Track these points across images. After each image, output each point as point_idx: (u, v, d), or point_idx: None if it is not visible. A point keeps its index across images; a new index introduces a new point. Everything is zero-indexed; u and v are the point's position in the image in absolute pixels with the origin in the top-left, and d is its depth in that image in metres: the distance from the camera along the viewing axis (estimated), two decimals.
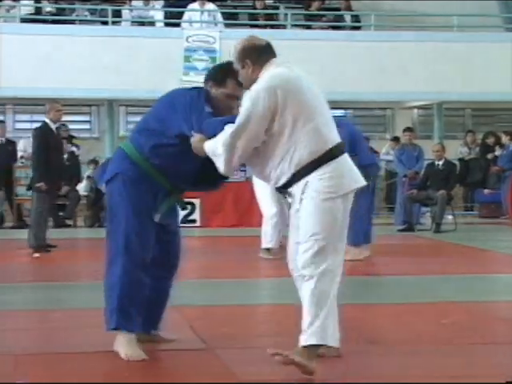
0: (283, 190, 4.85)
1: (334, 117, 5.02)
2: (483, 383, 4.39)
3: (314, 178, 4.72)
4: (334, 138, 4.83)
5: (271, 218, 10.53)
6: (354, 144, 10.02)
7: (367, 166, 10.19)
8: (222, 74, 5.24)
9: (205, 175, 5.22)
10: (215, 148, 4.82)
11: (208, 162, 4.93)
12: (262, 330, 6.28)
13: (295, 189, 4.76)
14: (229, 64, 5.19)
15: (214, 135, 4.84)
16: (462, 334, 5.94)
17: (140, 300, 5.19)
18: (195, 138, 4.97)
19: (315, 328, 4.64)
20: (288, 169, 4.75)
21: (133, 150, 5.20)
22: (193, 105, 5.09)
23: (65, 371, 4.85)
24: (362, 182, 4.89)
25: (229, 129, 4.76)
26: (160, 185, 5.19)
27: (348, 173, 4.83)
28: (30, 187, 11.72)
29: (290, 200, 4.87)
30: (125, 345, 5.12)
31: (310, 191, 4.72)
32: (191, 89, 5.38)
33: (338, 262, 4.77)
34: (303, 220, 4.74)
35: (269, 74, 4.85)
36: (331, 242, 4.73)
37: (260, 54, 4.96)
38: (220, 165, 4.83)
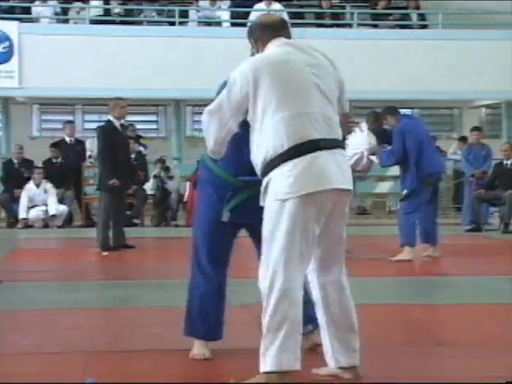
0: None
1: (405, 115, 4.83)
2: (483, 383, 4.31)
3: (275, 176, 4.32)
4: (310, 132, 4.33)
5: None
6: (420, 151, 9.98)
7: (431, 175, 10.14)
8: None
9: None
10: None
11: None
12: None
13: (262, 185, 4.45)
14: None
15: None
16: None
17: (208, 308, 5.11)
18: None
19: (271, 353, 4.25)
20: (258, 164, 4.45)
21: (205, 155, 5.09)
22: None
23: (133, 369, 4.89)
24: (342, 184, 4.38)
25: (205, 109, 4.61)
26: (228, 183, 5.01)
27: (317, 171, 4.29)
28: (98, 187, 11.76)
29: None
30: (195, 346, 5.13)
31: (270, 191, 4.35)
32: None
33: (298, 274, 4.31)
34: (263, 224, 4.40)
35: (253, 58, 4.59)
36: (291, 249, 4.27)
37: (263, 32, 4.67)
38: (206, 144, 4.71)
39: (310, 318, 4.85)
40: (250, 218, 4.96)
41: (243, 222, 5.13)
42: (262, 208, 4.51)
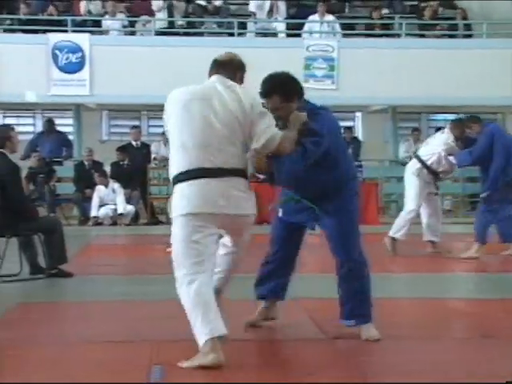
0: None
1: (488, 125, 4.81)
2: (483, 383, 4.22)
3: (174, 192, 4.84)
4: (197, 161, 4.73)
5: (408, 213, 10.45)
6: (508, 156, 9.89)
7: None
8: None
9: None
10: None
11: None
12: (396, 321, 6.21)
13: None
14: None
15: None
16: None
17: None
18: None
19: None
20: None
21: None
22: None
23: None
24: (220, 209, 4.75)
25: None
26: None
27: (195, 195, 4.73)
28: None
29: None
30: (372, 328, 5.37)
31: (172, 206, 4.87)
32: None
33: (186, 271, 4.81)
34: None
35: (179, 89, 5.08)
36: (176, 256, 4.89)
37: (210, 68, 5.17)
38: None
39: None
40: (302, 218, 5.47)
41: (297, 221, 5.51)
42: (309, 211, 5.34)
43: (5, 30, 17.34)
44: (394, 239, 10.40)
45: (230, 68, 5.10)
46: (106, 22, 17.83)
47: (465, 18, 18.99)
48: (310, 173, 5.09)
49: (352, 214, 5.41)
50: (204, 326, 4.63)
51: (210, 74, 5.07)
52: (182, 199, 4.76)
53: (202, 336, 4.63)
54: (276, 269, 5.66)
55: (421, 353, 5.00)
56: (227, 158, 4.76)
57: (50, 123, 18.00)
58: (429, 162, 10.41)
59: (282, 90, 5.25)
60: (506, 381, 4.12)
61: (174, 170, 4.82)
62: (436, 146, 10.37)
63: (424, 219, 10.61)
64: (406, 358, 4.86)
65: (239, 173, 4.84)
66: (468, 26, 18.94)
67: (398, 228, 10.41)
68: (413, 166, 10.54)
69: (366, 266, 5.43)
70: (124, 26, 18.10)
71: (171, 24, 17.99)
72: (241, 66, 5.23)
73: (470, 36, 18.69)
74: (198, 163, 4.72)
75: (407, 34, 18.05)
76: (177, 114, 4.85)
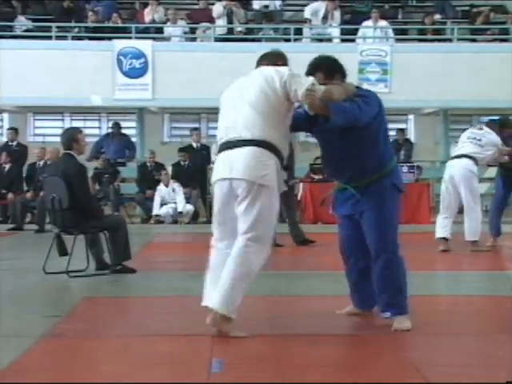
0: None
1: None
2: (483, 383, 4.14)
3: None
4: (222, 137, 5.24)
5: (478, 213, 10.40)
6: None
7: None
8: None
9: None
10: None
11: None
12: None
13: None
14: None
15: None
16: None
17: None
18: None
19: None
20: None
21: None
22: None
23: (256, 351, 4.91)
24: (235, 174, 5.14)
25: None
26: None
27: (222, 164, 5.22)
28: None
29: None
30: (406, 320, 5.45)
31: None
32: None
33: (216, 233, 5.49)
34: None
35: None
36: (215, 218, 5.46)
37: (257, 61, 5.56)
38: None
39: None
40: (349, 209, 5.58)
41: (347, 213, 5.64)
42: (354, 201, 5.46)
43: (73, 38, 17.57)
44: (475, 242, 10.30)
45: (267, 58, 5.48)
46: (168, 29, 17.97)
47: None
48: (348, 148, 5.31)
49: (390, 207, 5.41)
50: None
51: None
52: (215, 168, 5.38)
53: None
54: (357, 281, 5.74)
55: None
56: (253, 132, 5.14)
57: (117, 126, 18.24)
58: (483, 162, 10.33)
59: (324, 67, 5.48)
60: (506, 381, 4.04)
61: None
62: (489, 146, 10.24)
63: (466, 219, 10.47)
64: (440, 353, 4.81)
65: (260, 143, 5.13)
66: None
67: (475, 231, 10.28)
68: (470, 165, 10.31)
69: (402, 260, 5.44)
70: (185, 33, 18.23)
71: (230, 30, 18.06)
72: (278, 55, 5.58)
73: None
74: (226, 137, 5.27)
75: (459, 39, 17.88)
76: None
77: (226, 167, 5.17)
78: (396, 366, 4.57)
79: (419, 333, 5.38)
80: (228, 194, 5.23)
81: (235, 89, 5.33)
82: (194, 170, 16.66)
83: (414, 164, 16.72)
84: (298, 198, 16.07)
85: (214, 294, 5.21)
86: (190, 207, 16.12)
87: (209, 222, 15.91)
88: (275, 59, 5.45)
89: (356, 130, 5.21)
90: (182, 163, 16.82)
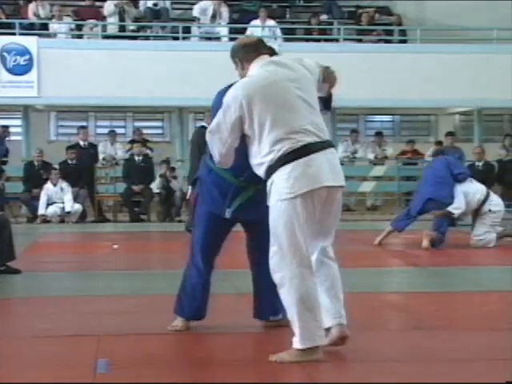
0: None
1: None
2: (483, 383, 4.18)
3: (276, 178, 4.52)
4: (300, 140, 4.51)
5: None
6: None
7: None
8: None
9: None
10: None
11: None
12: None
13: (267, 186, 4.61)
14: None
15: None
16: (499, 320, 5.84)
17: (196, 293, 5.33)
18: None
19: (296, 333, 4.47)
20: (261, 168, 4.61)
21: (208, 157, 5.16)
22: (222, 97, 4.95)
23: (143, 351, 4.87)
24: (335, 181, 4.56)
25: (208, 128, 4.76)
26: (230, 184, 5.09)
27: (311, 172, 4.47)
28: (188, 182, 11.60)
29: None
30: (177, 320, 5.38)
31: (273, 191, 4.54)
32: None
33: (305, 262, 4.49)
34: (270, 221, 4.57)
35: (244, 79, 4.73)
36: (294, 245, 4.46)
37: (245, 52, 4.82)
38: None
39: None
40: (250, 215, 5.14)
41: (243, 219, 5.22)
42: (260, 205, 4.81)
43: None
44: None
45: (265, 47, 4.92)
46: (53, 26, 17.66)
47: (400, 24, 19.20)
48: None
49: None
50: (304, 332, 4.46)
51: (253, 55, 4.79)
52: (295, 179, 4.54)
53: (299, 340, 4.48)
54: None
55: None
56: (323, 130, 4.71)
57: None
58: None
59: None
60: (506, 381, 4.05)
61: (271, 156, 4.59)
62: None
63: None
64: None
65: (332, 143, 4.77)
66: (403, 32, 19.15)
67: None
68: None
69: (189, 267, 5.42)
70: (71, 30, 17.94)
71: (122, 28, 17.89)
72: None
73: (405, 41, 18.91)
74: (297, 142, 4.60)
75: (345, 39, 18.17)
76: (264, 109, 4.60)
77: (327, 173, 4.53)
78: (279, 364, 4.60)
79: None
80: (322, 202, 4.57)
81: (288, 81, 4.62)
82: (81, 169, 16.43)
83: None
84: (187, 196, 16.06)
85: (339, 310, 4.70)
86: (77, 207, 15.88)
87: (97, 221, 15.80)
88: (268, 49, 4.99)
89: None
90: (69, 162, 16.55)
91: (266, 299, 5.38)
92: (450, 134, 16.65)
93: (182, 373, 4.44)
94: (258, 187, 5.01)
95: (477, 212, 10.73)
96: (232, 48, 4.93)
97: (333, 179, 4.55)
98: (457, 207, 10.44)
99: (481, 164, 15.18)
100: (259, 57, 4.79)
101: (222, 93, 4.93)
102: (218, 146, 4.71)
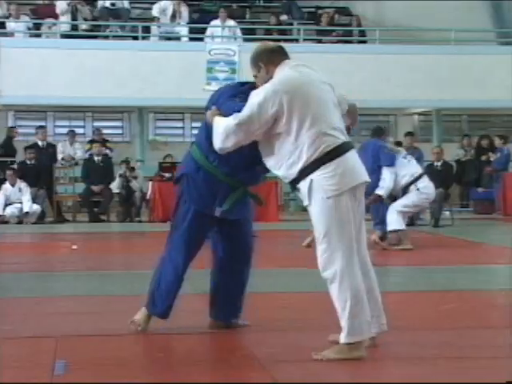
0: (292, 184, 4.74)
1: None
2: (483, 383, 4.20)
3: (317, 177, 4.58)
4: (338, 138, 4.64)
5: None
6: None
7: None
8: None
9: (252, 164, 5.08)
10: (218, 125, 4.78)
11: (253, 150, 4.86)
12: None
13: (302, 185, 4.64)
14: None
15: (228, 115, 4.78)
16: (459, 319, 5.92)
17: (170, 292, 5.25)
18: (210, 111, 4.93)
19: (345, 327, 4.55)
20: (295, 167, 4.63)
21: (197, 153, 5.16)
22: (223, 91, 5.16)
23: (101, 352, 4.86)
24: (365, 177, 4.75)
25: (234, 117, 4.69)
26: (221, 182, 5.10)
27: (350, 169, 4.63)
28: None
29: (299, 195, 4.77)
30: (141, 313, 5.31)
31: (316, 190, 4.59)
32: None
33: (355, 257, 4.60)
34: (315, 220, 4.64)
35: (280, 76, 4.74)
36: (343, 240, 4.56)
37: (271, 55, 4.86)
38: (216, 141, 4.78)
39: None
40: (237, 215, 5.18)
41: (230, 219, 5.19)
42: (245, 207, 5.17)
43: None
44: None
45: (286, 54, 4.95)
46: (11, 25, 17.50)
47: (359, 25, 19.30)
48: None
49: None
50: (353, 327, 4.55)
51: (278, 60, 4.84)
52: (339, 176, 4.66)
53: (347, 335, 4.56)
54: None
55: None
56: (345, 132, 4.86)
57: None
58: None
59: None
60: (506, 381, 4.06)
61: (309, 155, 4.66)
62: None
63: None
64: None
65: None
66: (363, 32, 19.26)
67: None
68: None
69: (162, 261, 5.38)
70: (29, 29, 17.79)
71: (75, 27, 17.77)
72: None
73: (364, 42, 19.03)
74: (334, 142, 4.73)
75: (305, 39, 18.24)
76: (305, 106, 4.68)
77: (361, 170, 4.74)
78: (243, 363, 4.60)
79: (263, 329, 5.45)
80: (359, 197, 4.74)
81: (321, 83, 4.79)
82: (40, 169, 16.29)
83: None
84: (147, 196, 16.02)
85: (381, 318, 4.80)
86: (36, 207, 15.75)
87: (56, 222, 15.68)
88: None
89: None
90: (28, 162, 16.40)
91: (231, 301, 5.39)
92: (409, 134, 16.73)
93: (140, 373, 4.44)
94: (246, 188, 5.17)
95: (405, 192, 10.68)
96: (255, 53, 4.93)
97: (364, 175, 4.76)
98: (381, 187, 10.45)
99: (439, 164, 15.29)
100: (284, 61, 4.85)
101: (226, 91, 5.11)
102: (241, 137, 4.69)
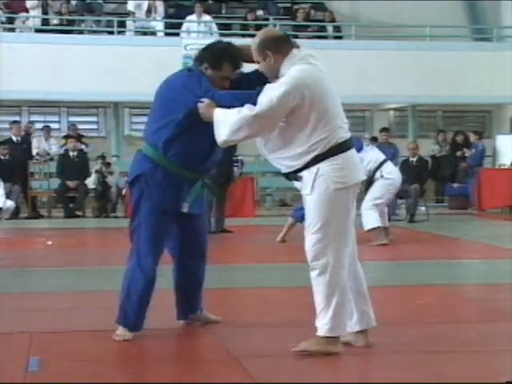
0: (293, 174, 4.70)
1: None
2: (483, 383, 4.20)
3: (326, 167, 4.57)
4: (346, 132, 4.73)
5: None
6: None
7: None
8: (218, 58, 5.05)
9: (208, 155, 5.04)
10: (226, 118, 4.64)
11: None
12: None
13: (306, 174, 4.61)
14: (224, 48, 5.09)
15: (226, 106, 4.70)
16: (432, 314, 5.96)
17: (142, 302, 5.09)
18: (204, 103, 4.80)
19: (327, 320, 4.54)
20: (303, 158, 4.60)
21: (151, 151, 5.03)
22: (195, 80, 4.95)
23: (75, 348, 4.85)
24: (364, 175, 4.91)
25: (249, 109, 4.58)
26: (182, 177, 5.01)
27: (356, 165, 4.72)
28: None
29: (298, 184, 4.75)
30: (120, 328, 5.10)
31: (320, 179, 4.58)
32: (183, 70, 5.33)
33: (346, 251, 4.63)
34: (313, 208, 4.60)
35: (299, 70, 4.65)
36: (340, 233, 4.59)
37: (279, 44, 4.77)
38: (223, 133, 4.65)
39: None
40: (199, 208, 5.13)
41: (193, 212, 5.12)
42: (204, 199, 5.13)
43: None
44: None
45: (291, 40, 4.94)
46: None
47: (333, 20, 19.33)
48: None
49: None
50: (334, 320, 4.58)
51: (287, 49, 4.78)
52: (347, 170, 4.73)
53: (326, 328, 4.57)
54: None
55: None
56: None
57: None
58: None
59: None
60: (506, 381, 4.05)
61: (321, 147, 4.68)
62: None
63: None
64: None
65: None
66: (338, 28, 19.29)
67: None
68: None
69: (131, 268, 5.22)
70: (2, 23, 17.68)
71: (45, 21, 17.66)
72: None
73: (340, 37, 19.07)
74: (342, 136, 4.80)
75: None
76: (324, 103, 4.71)
77: (360, 169, 4.83)
78: (216, 358, 4.61)
79: (233, 325, 5.47)
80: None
81: (327, 75, 4.81)
82: (14, 165, 16.19)
83: (239, 158, 16.93)
84: (123, 192, 15.96)
85: (369, 313, 4.79)
86: (10, 203, 15.64)
87: (31, 217, 15.59)
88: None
89: None
90: (1, 157, 16.29)
91: (193, 296, 5.38)
92: (384, 129, 16.80)
93: (114, 369, 4.44)
94: (204, 180, 5.11)
95: (370, 182, 10.65)
96: (262, 40, 4.81)
97: (363, 174, 4.92)
98: None
99: (415, 159, 15.35)
100: (291, 51, 4.77)
101: (183, 74, 5.07)
102: (255, 130, 4.60)
